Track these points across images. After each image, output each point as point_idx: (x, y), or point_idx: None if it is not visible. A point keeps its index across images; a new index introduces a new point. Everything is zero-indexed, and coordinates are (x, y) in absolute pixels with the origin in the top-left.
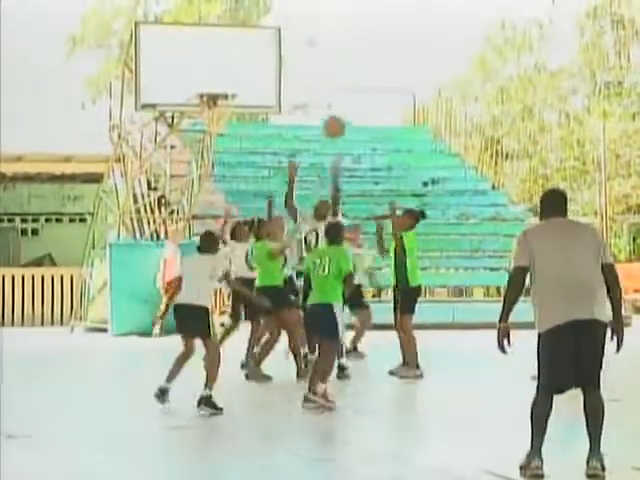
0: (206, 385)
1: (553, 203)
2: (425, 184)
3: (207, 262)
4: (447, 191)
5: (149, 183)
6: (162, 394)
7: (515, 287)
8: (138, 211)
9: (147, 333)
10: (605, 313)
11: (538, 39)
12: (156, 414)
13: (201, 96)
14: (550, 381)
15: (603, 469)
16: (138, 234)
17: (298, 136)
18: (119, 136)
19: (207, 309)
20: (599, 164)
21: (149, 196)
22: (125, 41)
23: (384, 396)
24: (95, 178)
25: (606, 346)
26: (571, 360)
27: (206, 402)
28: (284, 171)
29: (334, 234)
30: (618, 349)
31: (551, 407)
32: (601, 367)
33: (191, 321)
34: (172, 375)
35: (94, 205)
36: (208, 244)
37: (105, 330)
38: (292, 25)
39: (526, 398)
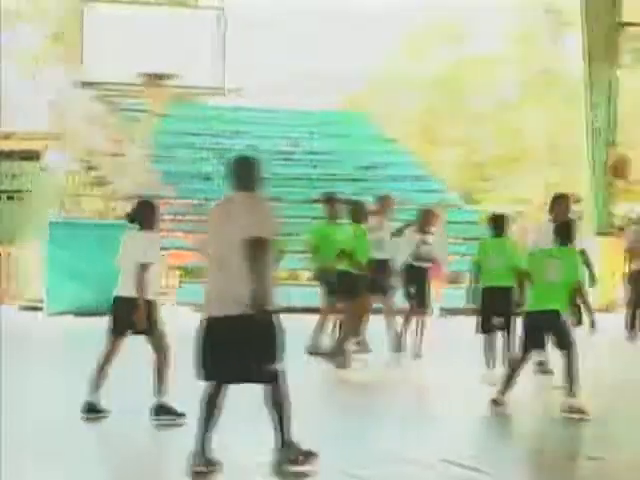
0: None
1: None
2: (364, 169)
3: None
4: (386, 176)
5: (88, 162)
6: (91, 410)
7: None
8: (76, 190)
9: (83, 313)
10: None
11: (472, 27)
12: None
13: (143, 76)
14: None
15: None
16: (76, 213)
17: (236, 118)
18: (59, 113)
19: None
20: (533, 152)
21: (87, 175)
22: (66, 18)
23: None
24: (33, 155)
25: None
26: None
27: (161, 410)
28: (221, 153)
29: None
30: None
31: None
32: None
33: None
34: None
35: (32, 183)
36: (144, 217)
37: (40, 309)
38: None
39: None
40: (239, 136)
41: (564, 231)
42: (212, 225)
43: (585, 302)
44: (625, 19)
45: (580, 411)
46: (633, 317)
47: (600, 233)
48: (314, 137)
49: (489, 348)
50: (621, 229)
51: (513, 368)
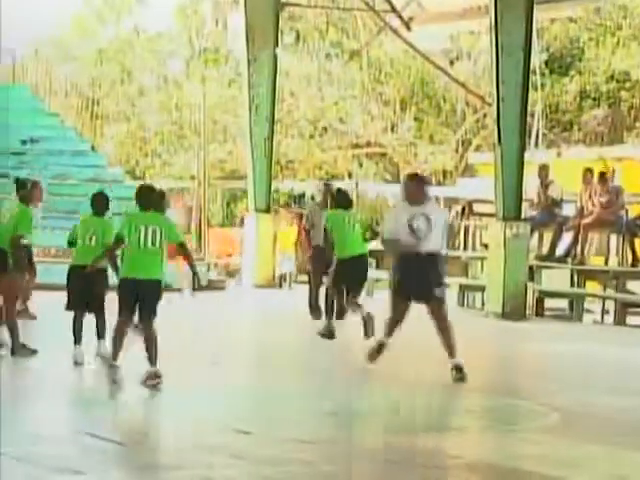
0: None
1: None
2: (24, 142)
3: None
4: (46, 151)
5: None
6: None
7: None
8: None
9: None
10: None
11: (136, 2)
12: None
13: None
14: None
15: None
16: None
17: None
18: None
19: None
20: (197, 129)
21: None
22: None
23: None
24: None
25: None
26: None
27: None
28: None
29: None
30: None
31: None
32: None
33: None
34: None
35: None
36: None
37: None
38: None
39: None
40: None
41: None
42: None
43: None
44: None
45: None
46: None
47: (259, 210)
48: None
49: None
50: (284, 206)
51: None
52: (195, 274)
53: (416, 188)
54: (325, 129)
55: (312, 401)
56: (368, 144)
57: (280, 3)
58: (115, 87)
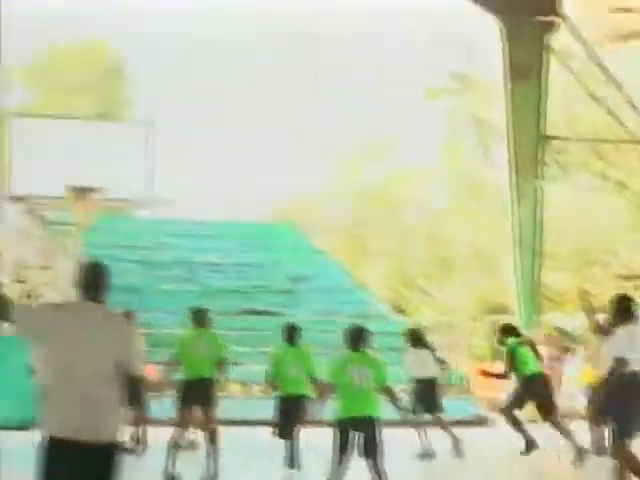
0: None
1: None
2: (292, 280)
3: None
4: (314, 288)
5: (16, 275)
6: None
7: None
8: None
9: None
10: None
11: (401, 140)
12: None
13: (71, 189)
14: None
15: None
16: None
17: (164, 230)
18: None
19: None
20: (461, 263)
21: (16, 288)
22: None
23: None
24: None
25: None
26: None
27: None
28: (149, 265)
29: None
30: None
31: None
32: None
33: None
34: None
35: None
36: None
37: None
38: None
39: None
40: (166, 248)
41: None
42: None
43: None
44: (549, 132)
45: None
46: None
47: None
48: (243, 249)
49: None
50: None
51: None
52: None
53: None
54: (591, 260)
55: None
56: (638, 276)
57: (543, 136)
58: (379, 223)
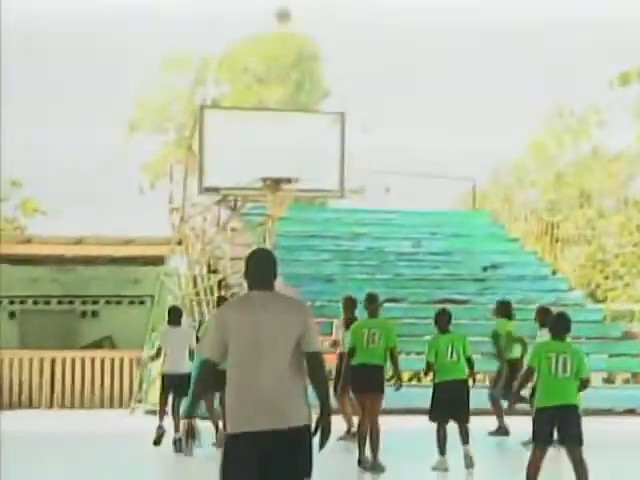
0: None
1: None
2: (485, 269)
3: None
4: (507, 276)
5: (209, 266)
6: None
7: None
8: (197, 294)
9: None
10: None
11: (595, 125)
12: None
13: (264, 180)
14: None
15: None
16: (198, 317)
17: (357, 220)
18: (181, 219)
19: None
20: None
21: (209, 279)
22: (183, 125)
23: None
24: (154, 261)
25: None
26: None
27: None
28: (342, 255)
29: None
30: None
31: None
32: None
33: None
34: None
35: (156, 288)
36: None
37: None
38: (350, 108)
39: None
40: (360, 238)
41: None
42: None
43: None
44: None
45: None
46: None
47: None
48: (435, 237)
49: None
50: None
51: None
52: None
53: None
54: None
55: None
56: None
57: None
58: (574, 210)
